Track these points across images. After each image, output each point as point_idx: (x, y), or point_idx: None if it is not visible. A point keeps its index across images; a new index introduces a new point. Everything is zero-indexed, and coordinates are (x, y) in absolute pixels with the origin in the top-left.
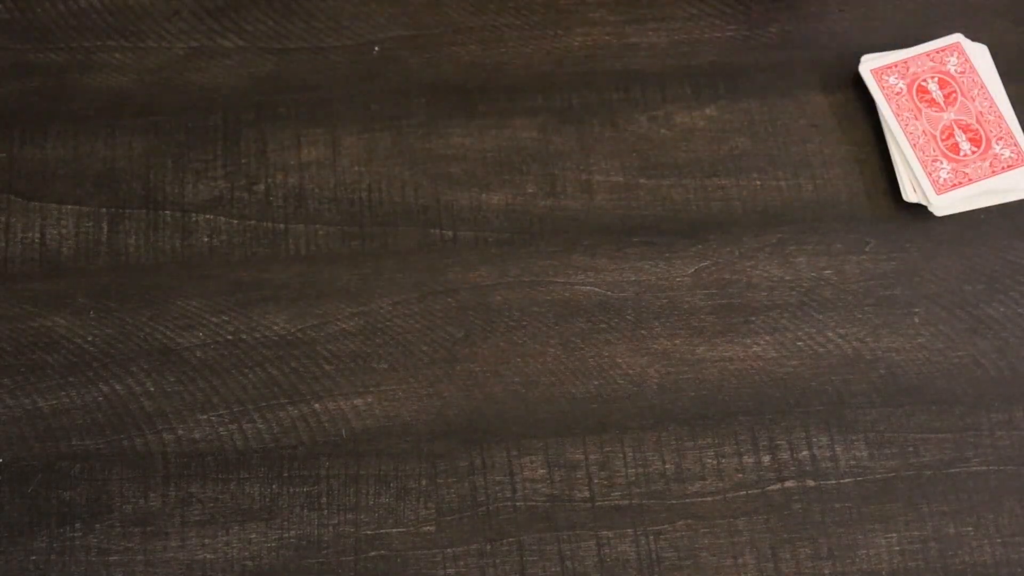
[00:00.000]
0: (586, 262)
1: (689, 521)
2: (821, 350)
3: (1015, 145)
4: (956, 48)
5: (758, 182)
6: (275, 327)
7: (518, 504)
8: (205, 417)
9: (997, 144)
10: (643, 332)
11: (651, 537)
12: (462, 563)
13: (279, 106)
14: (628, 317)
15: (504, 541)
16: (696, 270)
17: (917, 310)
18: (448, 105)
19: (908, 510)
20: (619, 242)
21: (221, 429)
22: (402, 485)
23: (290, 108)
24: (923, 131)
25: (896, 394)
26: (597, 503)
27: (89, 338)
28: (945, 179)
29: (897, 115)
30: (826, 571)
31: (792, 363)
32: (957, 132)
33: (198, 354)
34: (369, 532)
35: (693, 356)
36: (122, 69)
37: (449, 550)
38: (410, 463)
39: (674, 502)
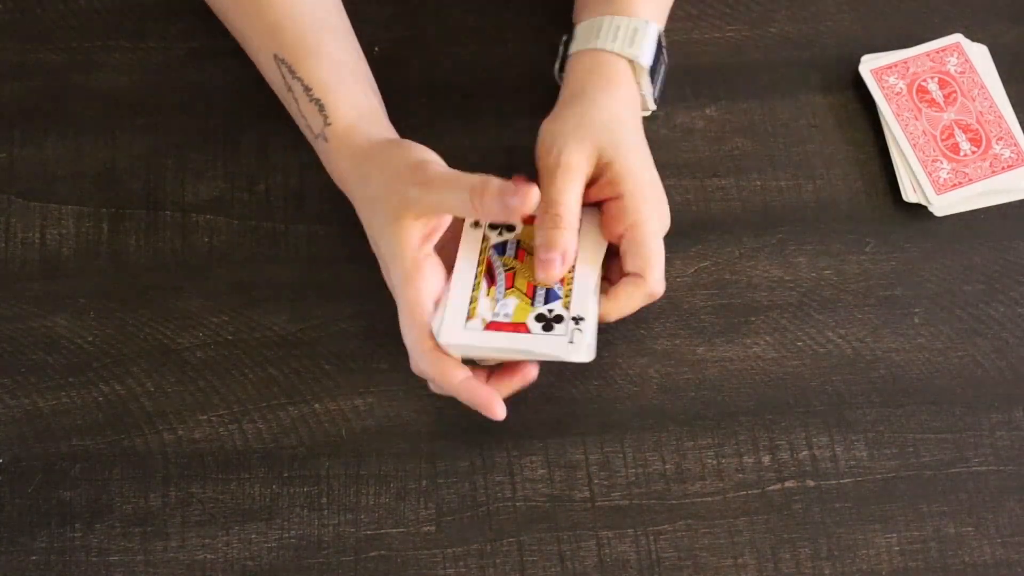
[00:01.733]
0: None
1: (689, 521)
2: (821, 350)
3: (1015, 145)
4: (956, 48)
5: (758, 182)
6: (275, 327)
7: (518, 504)
8: (205, 417)
9: (997, 144)
10: (643, 332)
11: (651, 537)
12: (462, 563)
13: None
14: (628, 317)
15: (504, 541)
16: (696, 270)
17: (917, 310)
18: (448, 105)
19: (908, 510)
20: None
21: (221, 429)
22: (402, 485)
23: None
24: (923, 131)
25: (896, 394)
26: (597, 503)
27: (89, 338)
28: (945, 179)
29: (897, 115)
30: (826, 571)
31: (792, 363)
32: (957, 132)
33: (198, 354)
34: (369, 532)
35: (693, 356)
36: (122, 69)
37: (449, 550)
38: (410, 463)
39: (674, 502)
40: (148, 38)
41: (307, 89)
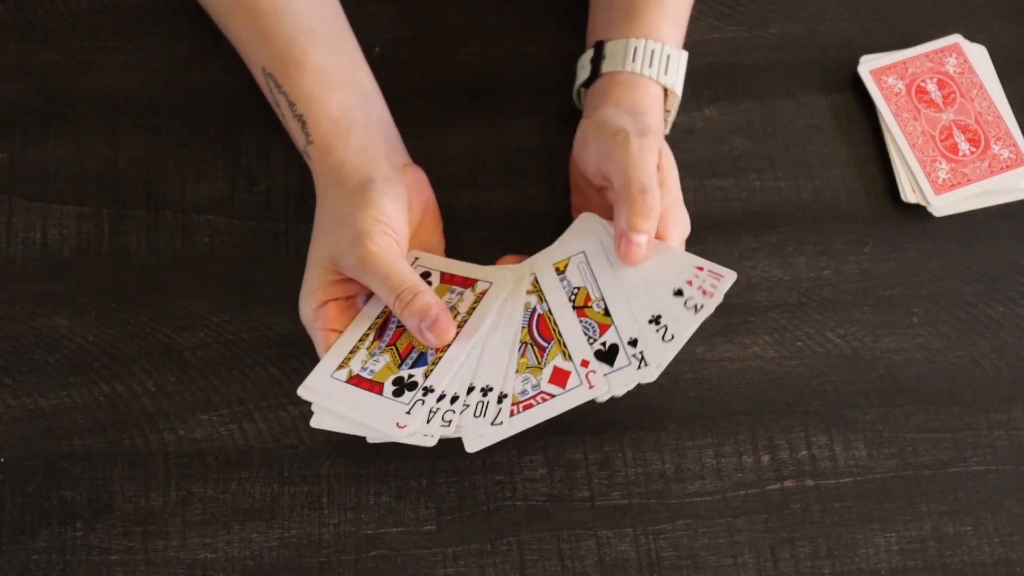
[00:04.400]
0: None
1: (689, 521)
2: (820, 350)
3: (1014, 145)
4: (955, 49)
5: (757, 183)
6: (276, 327)
7: (518, 504)
8: (206, 417)
9: (996, 144)
10: None
11: (651, 537)
12: (462, 563)
13: None
14: None
15: (504, 541)
16: None
17: (916, 310)
18: (448, 106)
19: (907, 510)
20: None
21: (222, 429)
22: (402, 485)
23: None
24: (922, 131)
25: (895, 394)
26: (597, 503)
27: (90, 338)
28: (944, 179)
29: (896, 115)
30: (825, 570)
31: (791, 363)
32: (956, 132)
33: (199, 354)
34: (369, 532)
35: (693, 356)
36: (123, 69)
37: (449, 550)
38: (410, 463)
39: (674, 502)
40: (148, 38)
41: (291, 104)
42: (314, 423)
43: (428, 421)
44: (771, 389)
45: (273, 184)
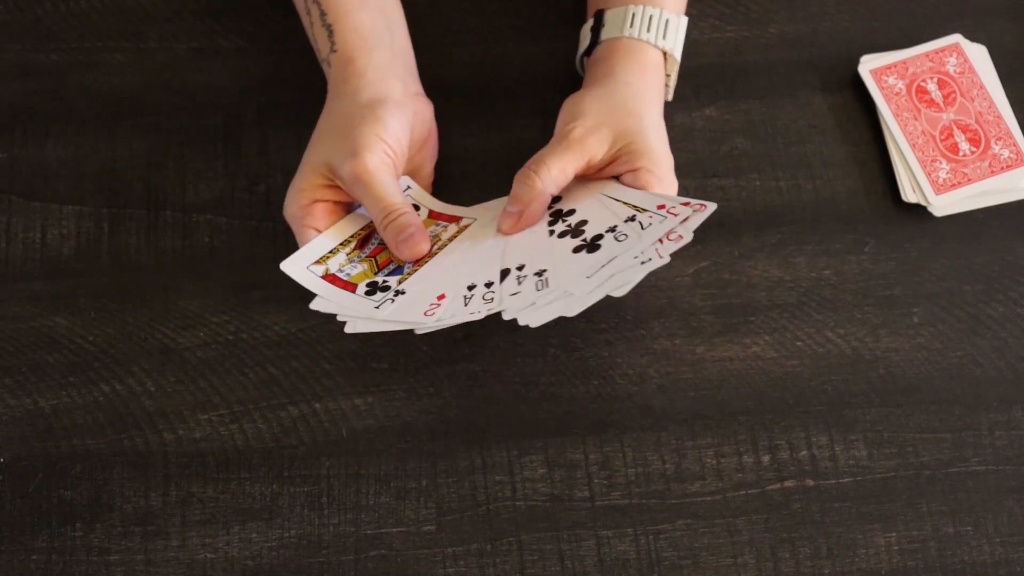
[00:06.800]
0: None
1: (689, 521)
2: (820, 350)
3: (1014, 145)
4: (955, 48)
5: (757, 182)
6: (275, 327)
7: (518, 504)
8: (206, 417)
9: (996, 144)
10: (643, 332)
11: (651, 537)
12: (462, 563)
13: (279, 106)
14: (628, 317)
15: (504, 541)
16: (696, 270)
17: (916, 310)
18: (449, 106)
19: (907, 510)
20: None
21: (222, 429)
22: (402, 485)
23: (290, 108)
24: (922, 131)
25: (895, 394)
26: (597, 503)
27: (90, 338)
28: (944, 179)
29: (896, 115)
30: (825, 570)
31: (792, 363)
32: (956, 132)
33: (199, 354)
34: (369, 532)
35: (693, 356)
36: (123, 70)
37: (449, 550)
38: (410, 463)
39: (674, 502)
40: (148, 38)
41: (323, 14)
42: (348, 330)
43: (466, 304)
44: (771, 389)
45: (273, 184)
